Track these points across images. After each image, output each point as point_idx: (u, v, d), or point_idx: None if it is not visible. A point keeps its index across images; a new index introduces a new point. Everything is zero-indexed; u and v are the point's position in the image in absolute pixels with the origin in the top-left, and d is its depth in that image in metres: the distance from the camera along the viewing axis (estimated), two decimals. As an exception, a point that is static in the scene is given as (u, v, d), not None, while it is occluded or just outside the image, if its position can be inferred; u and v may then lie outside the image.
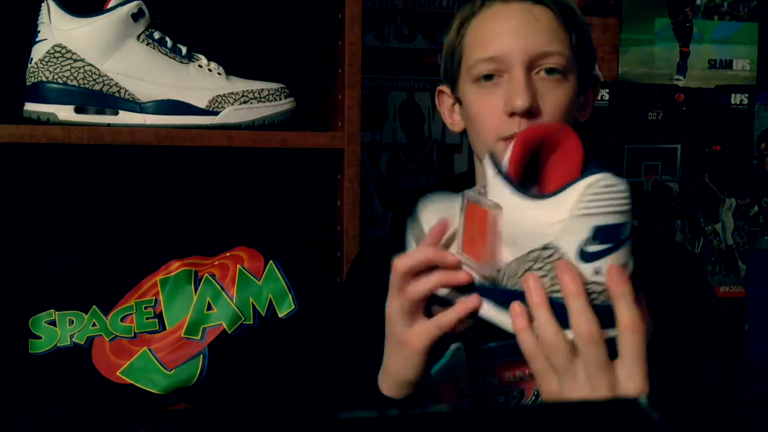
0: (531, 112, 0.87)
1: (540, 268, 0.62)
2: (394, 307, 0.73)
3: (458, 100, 0.96)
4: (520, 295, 0.65)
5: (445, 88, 0.99)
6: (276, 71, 1.15)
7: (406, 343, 0.73)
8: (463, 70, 0.93)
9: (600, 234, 0.59)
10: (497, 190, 0.66)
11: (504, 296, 0.67)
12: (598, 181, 0.59)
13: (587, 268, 0.60)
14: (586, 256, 0.60)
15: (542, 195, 0.62)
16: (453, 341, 0.89)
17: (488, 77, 0.90)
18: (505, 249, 0.66)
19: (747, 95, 1.70)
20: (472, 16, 0.93)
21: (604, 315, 0.61)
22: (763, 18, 1.69)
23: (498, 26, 0.90)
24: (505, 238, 0.65)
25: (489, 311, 0.68)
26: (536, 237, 0.62)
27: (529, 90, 0.87)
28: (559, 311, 0.62)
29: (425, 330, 0.72)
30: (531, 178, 0.70)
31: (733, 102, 1.70)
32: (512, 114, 0.87)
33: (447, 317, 0.71)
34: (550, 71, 0.88)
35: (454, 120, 0.99)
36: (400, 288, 0.72)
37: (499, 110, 0.88)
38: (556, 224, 0.60)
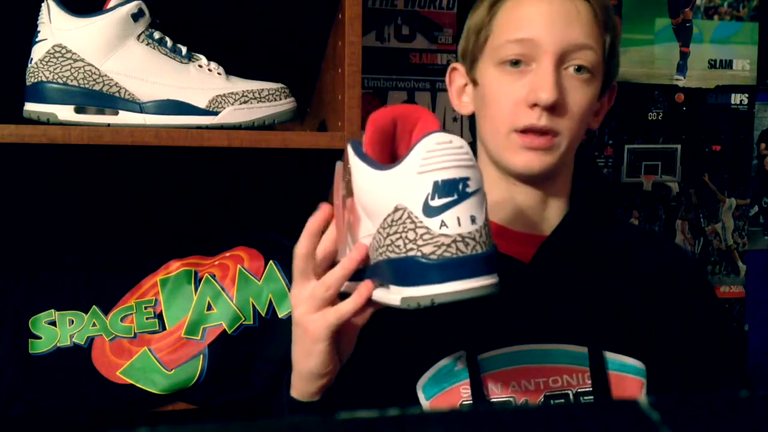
0: (555, 108, 0.83)
1: (396, 231, 0.65)
2: (302, 293, 0.72)
3: (473, 81, 0.92)
4: (386, 264, 0.66)
5: (459, 66, 0.94)
6: (276, 71, 1.15)
7: (307, 329, 0.72)
8: (488, 51, 0.88)
9: (440, 188, 0.62)
10: (357, 171, 0.69)
11: (373, 271, 0.69)
12: (432, 140, 0.63)
13: (433, 222, 0.62)
14: (430, 211, 0.62)
15: (392, 165, 0.66)
16: (454, 349, 0.88)
17: (515, 63, 0.85)
18: (370, 223, 0.69)
19: (747, 95, 1.70)
20: None
21: (454, 267, 0.62)
22: (763, 18, 1.69)
23: (536, 10, 0.85)
24: (367, 213, 0.68)
25: (375, 292, 0.70)
26: (388, 202, 0.65)
27: (557, 84, 0.83)
28: (412, 268, 0.64)
29: (325, 317, 0.71)
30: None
31: (733, 102, 1.70)
32: (534, 105, 0.84)
33: (346, 307, 0.70)
34: (579, 69, 0.85)
35: (462, 102, 0.94)
36: (304, 272, 0.72)
37: (519, 99, 0.85)
38: (402, 186, 0.63)
